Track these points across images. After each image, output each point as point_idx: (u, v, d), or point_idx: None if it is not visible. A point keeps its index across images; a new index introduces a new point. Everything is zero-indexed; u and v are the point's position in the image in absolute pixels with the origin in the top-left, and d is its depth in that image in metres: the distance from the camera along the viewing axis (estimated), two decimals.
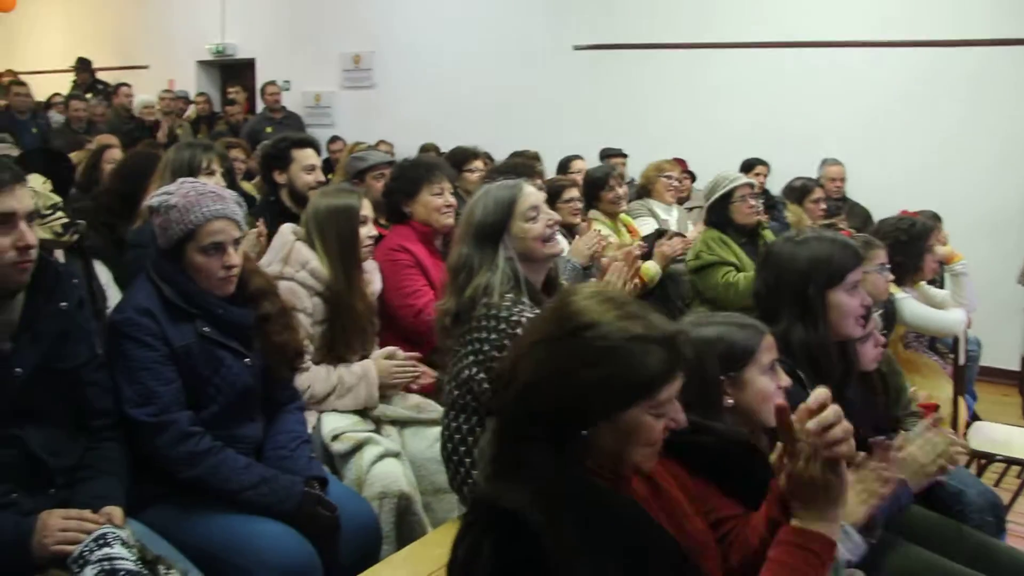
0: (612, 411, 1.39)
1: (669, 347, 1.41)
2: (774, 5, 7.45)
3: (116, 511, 2.08)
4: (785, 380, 2.02)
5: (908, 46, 6.86)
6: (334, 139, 8.47)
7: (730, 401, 1.95)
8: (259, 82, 9.84)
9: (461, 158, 4.91)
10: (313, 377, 2.91)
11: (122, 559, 1.91)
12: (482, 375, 2.38)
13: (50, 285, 2.14)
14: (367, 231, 3.07)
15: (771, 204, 5.32)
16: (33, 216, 2.07)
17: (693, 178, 7.05)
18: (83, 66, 10.95)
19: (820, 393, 1.39)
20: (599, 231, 4.13)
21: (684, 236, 4.65)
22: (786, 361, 2.12)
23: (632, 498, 1.46)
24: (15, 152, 4.63)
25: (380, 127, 8.76)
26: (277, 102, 9.21)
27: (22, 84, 8.80)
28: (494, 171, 3.78)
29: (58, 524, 1.97)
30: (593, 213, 4.85)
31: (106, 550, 1.92)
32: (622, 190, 4.93)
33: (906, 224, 3.87)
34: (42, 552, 1.94)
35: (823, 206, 5.68)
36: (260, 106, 9.67)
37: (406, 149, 7.64)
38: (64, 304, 2.15)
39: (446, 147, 7.05)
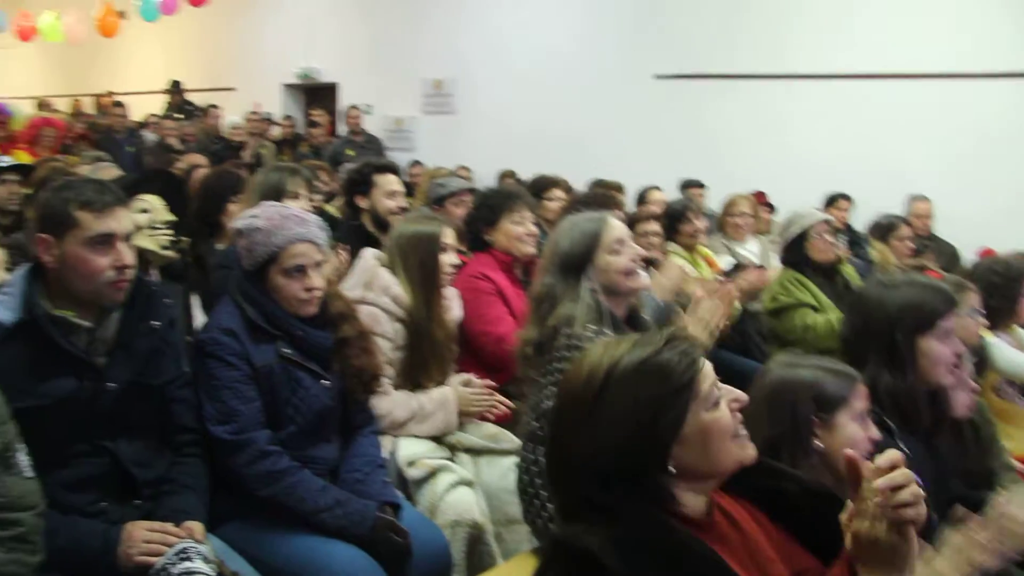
0: (672, 430, 1.38)
1: (677, 347, 1.41)
2: (858, 35, 7.30)
3: (197, 526, 2.12)
4: (875, 432, 1.96)
5: (998, 78, 6.68)
6: (415, 163, 8.58)
7: (819, 444, 1.90)
8: (342, 105, 10.03)
9: (541, 186, 4.92)
10: (394, 402, 2.91)
11: (202, 573, 1.96)
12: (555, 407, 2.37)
13: (144, 304, 2.21)
14: (449, 258, 3.09)
15: (854, 241, 5.19)
16: (130, 237, 2.14)
17: (772, 209, 6.93)
18: (175, 88, 11.34)
19: (891, 454, 1.34)
20: (679, 265, 4.08)
21: (763, 269, 4.57)
22: (874, 410, 2.06)
23: (711, 548, 1.43)
24: (115, 172, 4.81)
25: (460, 152, 8.83)
26: (359, 125, 9.38)
27: (120, 105, 9.17)
28: (577, 202, 3.78)
29: (142, 535, 2.04)
30: (671, 246, 4.80)
31: (187, 564, 1.97)
32: (701, 223, 4.87)
33: (1000, 266, 3.72)
34: (127, 562, 2.00)
35: (910, 244, 5.52)
36: (342, 129, 9.84)
37: (485, 175, 7.71)
38: (156, 323, 2.22)
39: (525, 174, 7.11)
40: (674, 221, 4.84)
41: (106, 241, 2.07)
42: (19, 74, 15.23)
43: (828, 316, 4.01)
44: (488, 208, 3.64)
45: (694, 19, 8.02)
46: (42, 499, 1.90)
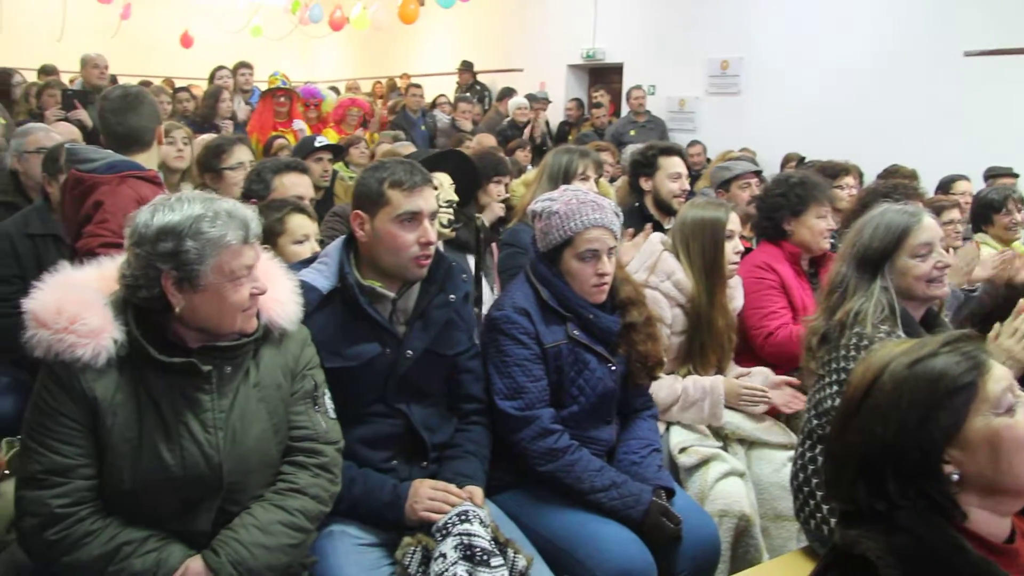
0: (945, 433, 1.31)
1: (958, 349, 1.35)
2: None
3: (477, 491, 2.23)
4: None
5: None
6: (693, 143, 8.44)
7: None
8: (626, 86, 10.05)
9: (831, 173, 4.65)
10: (658, 386, 2.91)
11: (479, 536, 2.05)
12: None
13: (443, 278, 2.35)
14: (733, 246, 3.04)
15: None
16: (435, 215, 2.27)
17: None
18: (466, 68, 11.90)
19: None
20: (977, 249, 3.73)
21: None
22: None
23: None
24: (411, 148, 5.12)
25: (743, 134, 8.55)
26: (642, 106, 9.35)
27: (417, 87, 9.75)
28: (876, 193, 3.53)
29: (427, 493, 2.18)
30: (980, 236, 4.39)
31: (466, 525, 2.07)
32: (1021, 215, 4.41)
33: None
34: (412, 516, 2.16)
35: None
36: (625, 110, 9.88)
37: (768, 159, 7.41)
38: (453, 296, 2.35)
39: (810, 158, 6.76)
40: (989, 211, 4.45)
41: (413, 218, 2.21)
42: (328, 60, 16.72)
43: None
44: (797, 198, 3.47)
45: None
46: (342, 438, 2.10)
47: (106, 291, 1.85)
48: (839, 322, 2.33)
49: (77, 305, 1.76)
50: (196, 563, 1.80)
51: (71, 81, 8.19)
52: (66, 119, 5.49)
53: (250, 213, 1.87)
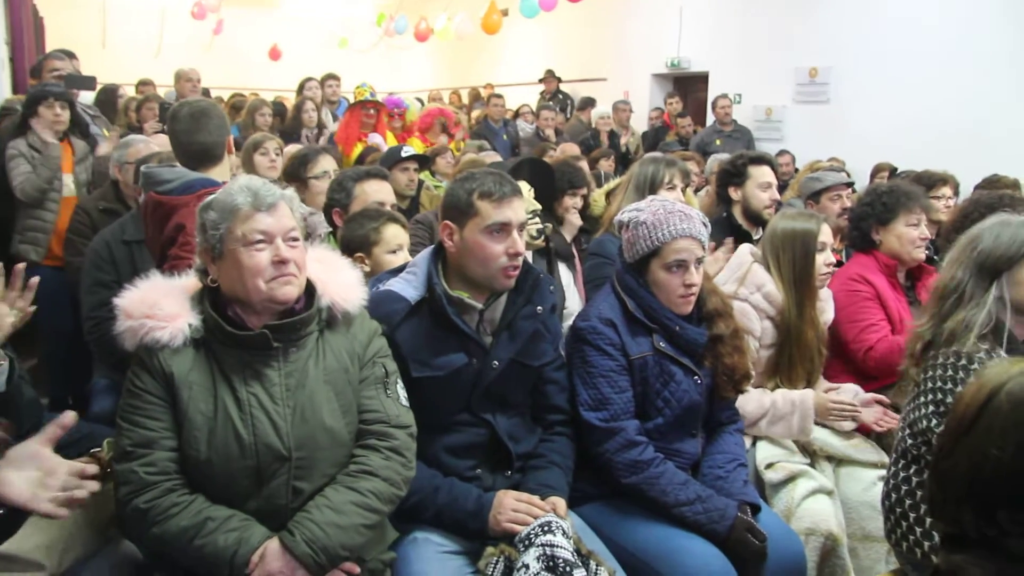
0: None
1: None
2: None
3: (560, 502, 2.23)
4: None
5: None
6: (781, 153, 8.28)
7: None
8: (711, 95, 9.94)
9: (927, 183, 4.51)
10: (746, 398, 2.86)
11: (561, 548, 2.05)
12: (941, 428, 2.17)
13: (530, 288, 2.35)
14: (824, 258, 2.97)
15: None
16: (523, 226, 2.28)
17: None
18: (551, 76, 11.94)
19: None
20: None
21: None
22: None
23: None
24: (496, 158, 5.14)
25: (832, 144, 8.35)
26: (728, 115, 9.23)
27: (499, 96, 9.82)
28: (979, 204, 3.40)
29: (511, 504, 2.18)
30: None
31: (549, 537, 2.07)
32: None
33: None
34: (495, 526, 2.16)
35: None
36: (710, 119, 9.77)
37: (858, 169, 7.22)
38: (540, 308, 2.35)
39: (902, 168, 6.57)
40: None
41: (502, 229, 2.22)
42: (411, 70, 17.00)
43: None
44: (883, 206, 3.40)
45: None
46: (414, 424, 2.13)
47: (190, 290, 2.02)
48: (950, 331, 2.24)
49: (157, 293, 1.97)
50: (274, 543, 1.87)
51: (166, 94, 8.48)
52: (163, 131, 5.68)
53: (265, 184, 2.00)
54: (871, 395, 3.02)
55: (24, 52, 8.57)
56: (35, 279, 2.09)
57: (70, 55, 6.45)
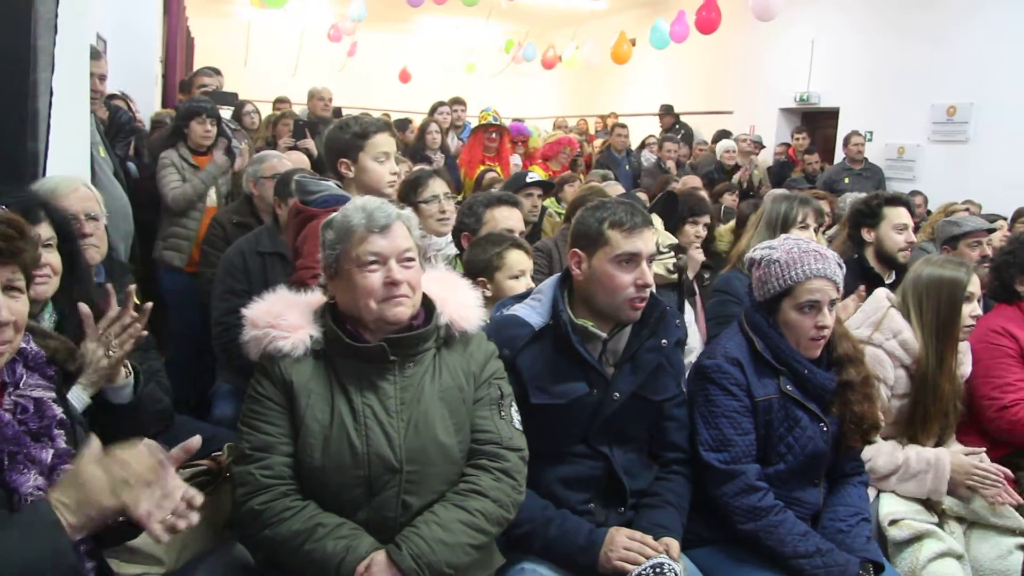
0: None
1: None
2: None
3: (674, 543, 2.17)
4: None
5: None
6: (914, 194, 7.96)
7: None
8: (840, 131, 9.66)
9: None
10: (878, 451, 2.75)
11: None
12: None
13: (655, 321, 2.31)
14: (971, 309, 2.84)
15: None
16: (653, 258, 2.25)
17: None
18: (667, 111, 11.86)
19: None
20: None
21: None
22: None
23: None
24: (620, 189, 5.11)
25: (968, 185, 7.96)
26: (861, 153, 8.94)
27: (623, 126, 9.79)
28: None
29: (623, 543, 2.14)
30: None
31: None
32: None
33: None
34: (606, 563, 2.12)
35: None
36: (838, 155, 9.49)
37: (995, 213, 6.89)
38: (665, 341, 2.31)
39: None
40: None
41: (631, 260, 2.20)
42: (536, 97, 17.17)
43: None
44: None
45: None
46: (526, 447, 2.12)
47: (314, 304, 2.08)
48: None
49: (282, 306, 2.04)
50: (380, 555, 1.88)
51: (300, 112, 8.80)
52: (295, 147, 5.89)
53: (381, 204, 2.03)
54: (996, 466, 2.79)
55: (175, 69, 9.07)
56: (149, 304, 2.07)
57: (217, 72, 6.78)
